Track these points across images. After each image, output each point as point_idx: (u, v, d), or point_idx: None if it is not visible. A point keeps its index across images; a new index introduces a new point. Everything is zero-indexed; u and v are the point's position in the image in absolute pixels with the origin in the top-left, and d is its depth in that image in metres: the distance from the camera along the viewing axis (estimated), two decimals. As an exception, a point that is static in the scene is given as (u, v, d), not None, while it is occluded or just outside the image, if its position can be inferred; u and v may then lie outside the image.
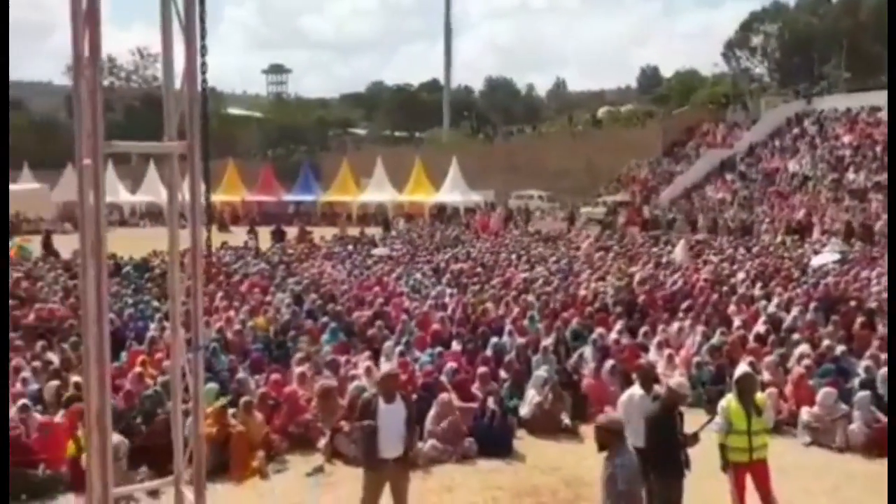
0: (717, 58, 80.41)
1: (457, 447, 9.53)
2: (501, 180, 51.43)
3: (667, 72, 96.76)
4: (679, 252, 23.03)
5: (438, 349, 12.36)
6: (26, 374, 10.85)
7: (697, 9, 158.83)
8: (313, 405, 10.27)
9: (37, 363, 11.50)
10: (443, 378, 10.94)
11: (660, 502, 6.84)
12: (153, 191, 50.98)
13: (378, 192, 49.58)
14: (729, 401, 7.33)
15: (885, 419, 9.68)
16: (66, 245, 26.55)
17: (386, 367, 8.16)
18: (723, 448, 7.28)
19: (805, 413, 10.13)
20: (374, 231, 36.19)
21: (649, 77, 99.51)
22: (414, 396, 10.38)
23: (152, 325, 13.84)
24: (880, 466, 9.19)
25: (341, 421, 9.54)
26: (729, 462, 7.29)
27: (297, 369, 11.16)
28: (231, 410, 9.57)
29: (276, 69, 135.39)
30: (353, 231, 34.97)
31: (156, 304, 15.84)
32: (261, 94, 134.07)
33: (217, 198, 48.57)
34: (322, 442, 9.67)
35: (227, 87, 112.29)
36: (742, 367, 7.95)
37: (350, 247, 28.06)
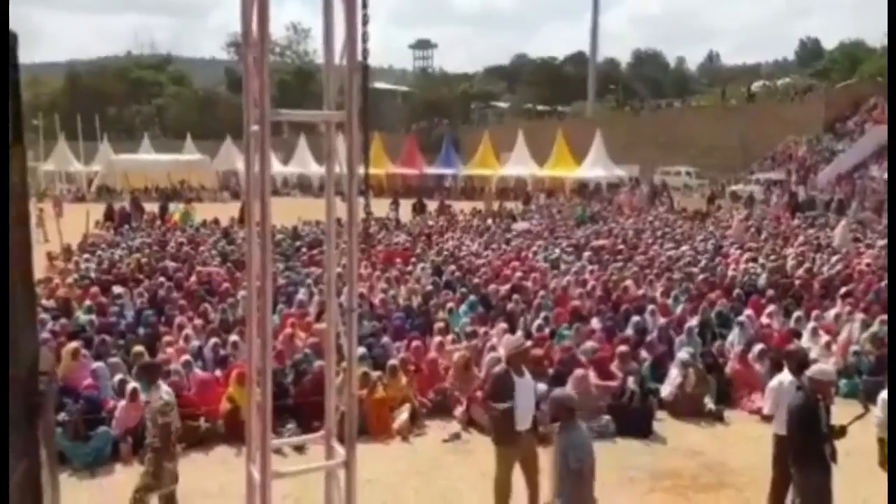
0: (886, 26, 74.21)
1: (591, 423, 9.43)
2: (647, 155, 49.98)
3: (829, 44, 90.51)
4: (839, 234, 21.60)
5: (577, 325, 12.26)
6: (188, 331, 11.64)
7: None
8: (451, 374, 10.46)
9: (198, 321, 12.31)
10: (580, 355, 10.86)
11: (803, 497, 6.51)
12: (303, 162, 53.46)
13: (518, 166, 49.47)
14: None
15: None
16: (223, 213, 28.29)
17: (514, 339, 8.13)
18: (882, 443, 6.82)
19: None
20: (514, 205, 36.17)
21: (810, 49, 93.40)
22: (551, 371, 10.44)
23: (301, 290, 14.50)
24: None
25: (477, 391, 9.67)
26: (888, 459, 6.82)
27: (437, 339, 11.40)
28: (376, 374, 9.93)
29: (422, 44, 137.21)
30: (494, 205, 35.07)
31: (305, 270, 16.58)
32: (407, 69, 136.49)
33: (363, 170, 50.20)
34: (459, 410, 9.86)
35: (374, 62, 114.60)
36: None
37: (489, 220, 28.21)
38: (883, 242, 21.36)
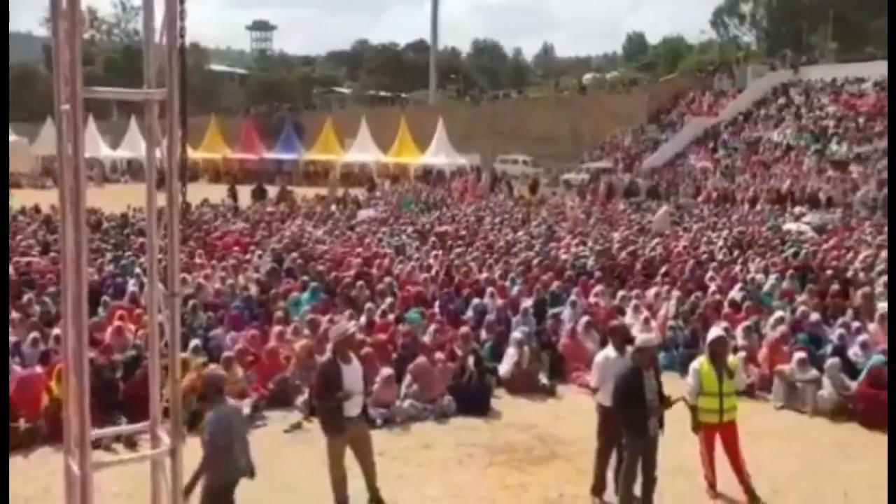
0: (705, 25, 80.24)
1: (435, 405, 9.66)
2: (487, 144, 51.32)
3: (653, 39, 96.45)
4: (658, 219, 23.17)
5: (421, 309, 12.46)
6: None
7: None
8: (292, 363, 10.33)
9: (16, 315, 11.42)
10: (424, 338, 11.06)
11: (630, 458, 7.00)
12: (133, 146, 50.48)
13: (362, 153, 49.33)
14: (701, 363, 7.45)
15: (853, 385, 9.88)
16: (44, 199, 26.29)
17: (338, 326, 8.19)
18: (694, 409, 7.42)
19: (779, 372, 10.31)
20: (359, 192, 36.07)
21: (635, 44, 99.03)
22: (394, 356, 10.57)
23: (132, 281, 13.80)
24: (847, 432, 9.44)
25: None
26: (700, 423, 7.43)
27: (277, 328, 11.21)
28: (212, 366, 9.61)
29: (261, 25, 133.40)
30: (339, 191, 34.79)
31: (136, 260, 15.77)
32: (245, 51, 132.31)
33: (198, 155, 48.26)
34: (300, 399, 9.76)
35: (210, 43, 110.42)
36: (715, 331, 8.06)
37: (333, 207, 28.00)
38: (699, 226, 23.17)
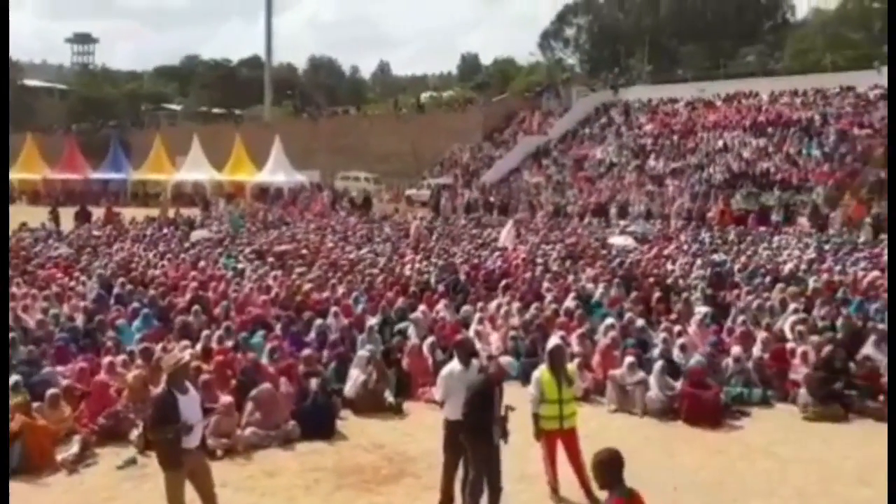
0: (533, 47, 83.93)
1: (278, 431, 9.41)
2: (326, 161, 50.93)
3: (486, 59, 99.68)
4: (505, 234, 23.93)
5: (261, 333, 12.13)
6: None
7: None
8: (125, 396, 9.73)
9: None
10: (264, 361, 10.76)
11: (475, 468, 7.13)
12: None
13: (195, 171, 47.45)
14: (542, 372, 7.72)
15: (677, 386, 10.59)
16: None
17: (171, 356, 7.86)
18: (536, 418, 7.67)
19: (611, 377, 10.87)
20: (192, 212, 34.66)
21: (469, 64, 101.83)
22: (233, 382, 10.19)
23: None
24: (674, 429, 10.10)
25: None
26: (542, 431, 7.69)
27: (106, 359, 10.53)
28: (36, 405, 8.92)
29: (82, 38, 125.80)
30: (171, 212, 33.28)
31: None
32: (64, 65, 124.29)
33: (14, 175, 44.63)
34: (135, 433, 9.20)
35: (25, 56, 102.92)
36: (553, 340, 8.40)
37: (165, 229, 26.73)
38: (536, 239, 24.11)
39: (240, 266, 18.41)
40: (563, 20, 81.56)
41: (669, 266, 18.37)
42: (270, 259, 19.34)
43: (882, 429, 9.99)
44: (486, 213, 35.07)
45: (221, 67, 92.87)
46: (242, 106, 78.01)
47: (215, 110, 77.16)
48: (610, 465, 5.09)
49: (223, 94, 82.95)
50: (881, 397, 10.64)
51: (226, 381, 10.15)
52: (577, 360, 10.74)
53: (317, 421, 9.66)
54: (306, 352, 10.93)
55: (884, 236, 23.77)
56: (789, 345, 11.93)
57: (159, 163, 48.81)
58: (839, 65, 45.69)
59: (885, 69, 40.05)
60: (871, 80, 39.62)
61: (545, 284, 16.13)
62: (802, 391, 10.68)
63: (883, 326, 12.42)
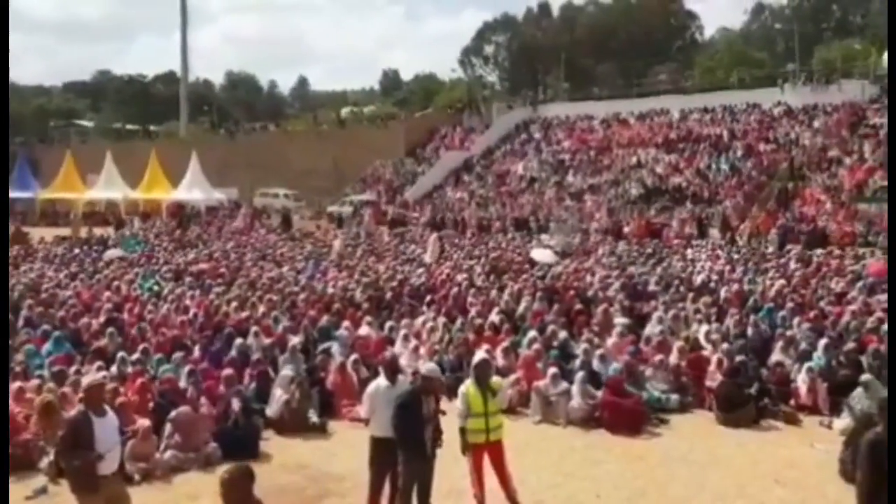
0: (454, 64, 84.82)
1: (198, 454, 9.17)
2: (245, 178, 50.05)
3: (407, 75, 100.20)
4: (430, 248, 23.99)
5: (180, 354, 11.80)
6: None
7: (438, 15, 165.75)
8: (33, 422, 9.31)
9: None
10: (182, 384, 10.48)
11: (406, 481, 7.10)
12: None
13: (108, 189, 45.88)
14: (468, 386, 7.75)
15: (598, 395, 10.80)
16: None
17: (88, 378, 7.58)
18: (463, 432, 7.70)
19: (536, 388, 11.01)
20: (105, 231, 33.52)
21: (391, 79, 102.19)
22: (151, 405, 9.89)
23: None
24: (596, 438, 10.29)
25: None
26: (468, 444, 7.72)
27: (15, 384, 10.05)
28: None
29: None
30: (83, 231, 32.11)
31: None
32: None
33: None
34: (45, 461, 8.80)
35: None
36: (479, 354, 8.46)
37: (76, 249, 25.76)
38: (461, 254, 24.25)
39: (156, 287, 17.90)
40: (483, 38, 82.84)
41: (589, 279, 18.74)
42: (188, 279, 18.87)
43: (793, 431, 10.45)
44: (412, 228, 35.05)
45: (135, 83, 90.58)
46: (158, 122, 76.13)
47: (129, 126, 75.00)
48: (232, 485, 5.18)
49: (137, 110, 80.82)
50: (792, 401, 11.12)
51: (143, 404, 9.85)
52: (513, 377, 10.97)
53: (239, 442, 9.45)
54: (227, 372, 10.69)
55: (790, 246, 24.90)
56: (704, 353, 12.33)
57: (70, 181, 47.02)
58: (745, 82, 47.77)
59: (787, 87, 42.27)
60: (775, 97, 41.61)
61: (469, 299, 16.23)
62: (715, 398, 11.04)
63: (790, 333, 12.98)
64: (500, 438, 7.80)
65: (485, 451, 7.73)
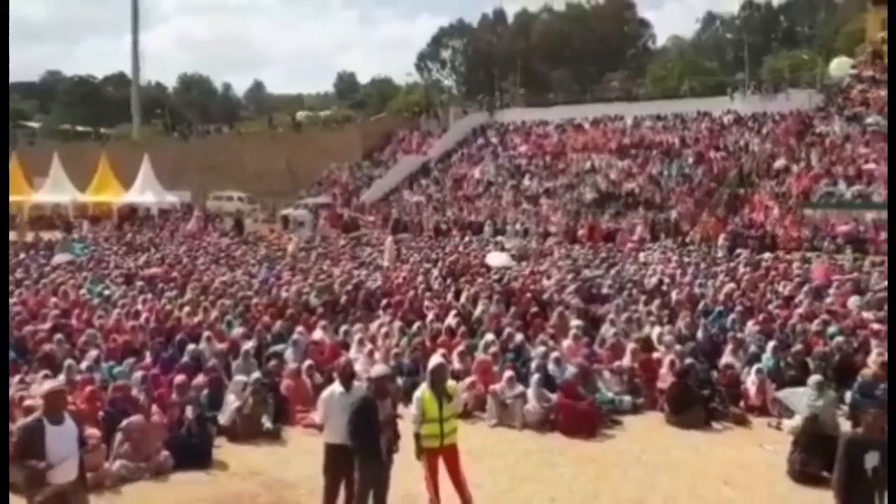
0: (411, 68, 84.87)
1: (149, 463, 8.99)
2: (198, 181, 49.34)
3: (364, 79, 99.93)
4: (387, 251, 23.94)
5: (130, 361, 11.56)
6: None
7: (394, 20, 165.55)
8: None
9: None
10: (134, 391, 10.26)
11: (362, 486, 7.06)
12: None
13: (56, 192, 44.76)
14: (423, 391, 7.73)
15: (553, 398, 10.88)
16: None
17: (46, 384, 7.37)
18: (417, 437, 7.68)
19: (492, 392, 11.04)
20: (53, 235, 32.72)
21: (347, 83, 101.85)
22: (101, 413, 9.66)
23: None
24: (551, 441, 10.36)
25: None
26: (423, 449, 7.70)
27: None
28: None
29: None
30: (29, 236, 31.32)
31: None
32: None
33: None
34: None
35: None
36: (435, 358, 8.44)
37: (22, 254, 25.11)
38: (418, 257, 24.24)
39: (106, 292, 17.52)
40: (439, 43, 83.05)
41: (545, 282, 18.88)
42: (139, 283, 18.52)
43: (743, 432, 10.65)
44: (368, 231, 34.93)
45: (86, 84, 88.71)
46: (108, 124, 74.65)
47: (79, 128, 73.37)
48: None
49: (87, 112, 79.10)
50: (741, 402, 11.34)
51: (92, 412, 9.62)
52: (469, 380, 10.98)
53: (191, 450, 9.30)
54: (179, 379, 10.51)
55: (739, 250, 25.42)
56: (656, 355, 12.52)
57: (16, 183, 45.61)
58: (696, 91, 48.70)
59: (737, 96, 43.20)
60: (725, 106, 42.46)
61: (426, 303, 16.22)
62: (666, 399, 11.21)
63: (740, 336, 13.26)
64: (454, 443, 7.80)
65: (439, 455, 7.73)
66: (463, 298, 16.80)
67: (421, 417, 7.60)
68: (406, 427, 7.68)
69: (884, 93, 36.65)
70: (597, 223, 32.49)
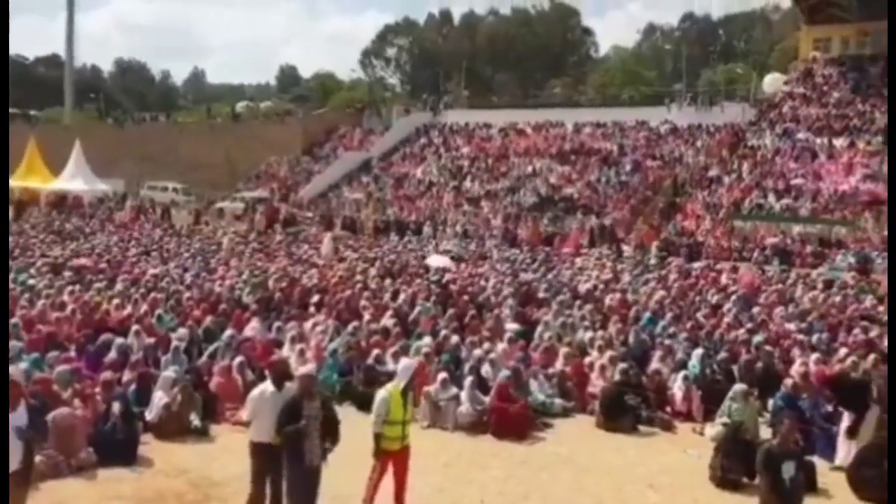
0: (355, 64, 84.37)
1: (72, 459, 8.73)
2: (132, 169, 48.10)
3: (306, 73, 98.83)
4: (325, 248, 23.73)
5: (54, 354, 11.20)
6: None
7: (338, 14, 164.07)
8: None
9: None
10: (55, 387, 9.94)
11: (291, 488, 7.00)
12: None
13: (-22, 176, 43.05)
14: (390, 392, 7.63)
15: (486, 400, 10.96)
16: None
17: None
18: (377, 437, 7.60)
19: (425, 393, 11.06)
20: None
21: (288, 76, 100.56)
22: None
23: None
24: (482, 443, 10.45)
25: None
26: (381, 450, 7.64)
27: None
28: None
29: None
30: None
31: None
32: None
33: None
34: None
35: None
36: (409, 361, 8.51)
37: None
38: (356, 256, 24.10)
39: (31, 281, 16.92)
40: (384, 40, 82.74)
41: (483, 284, 19.00)
42: (67, 273, 17.95)
43: (669, 437, 10.92)
44: (306, 227, 34.58)
45: (15, 64, 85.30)
46: (39, 107, 72.09)
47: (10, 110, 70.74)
48: None
49: (16, 93, 76.20)
50: (668, 408, 11.63)
51: (13, 406, 9.26)
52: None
53: (116, 446, 9.08)
54: (105, 374, 10.22)
55: (671, 259, 26.06)
56: (588, 359, 12.74)
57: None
58: (635, 100, 49.74)
59: (674, 106, 44.28)
60: (662, 116, 43.45)
61: (363, 302, 16.14)
62: (597, 403, 11.43)
63: (668, 342, 13.59)
64: (408, 446, 7.83)
65: (394, 457, 7.71)
66: (400, 299, 16.76)
67: (384, 418, 7.55)
68: (348, 429, 7.58)
69: (814, 110, 38.12)
70: (536, 227, 32.86)
